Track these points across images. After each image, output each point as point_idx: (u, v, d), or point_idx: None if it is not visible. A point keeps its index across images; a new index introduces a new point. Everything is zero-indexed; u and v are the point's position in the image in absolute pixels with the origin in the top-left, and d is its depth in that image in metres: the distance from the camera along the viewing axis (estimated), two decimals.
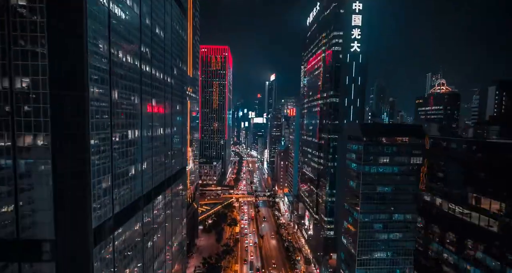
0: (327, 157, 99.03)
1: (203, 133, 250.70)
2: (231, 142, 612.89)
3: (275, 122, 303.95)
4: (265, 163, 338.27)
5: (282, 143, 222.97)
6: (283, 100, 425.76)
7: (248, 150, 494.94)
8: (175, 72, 73.34)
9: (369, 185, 68.22)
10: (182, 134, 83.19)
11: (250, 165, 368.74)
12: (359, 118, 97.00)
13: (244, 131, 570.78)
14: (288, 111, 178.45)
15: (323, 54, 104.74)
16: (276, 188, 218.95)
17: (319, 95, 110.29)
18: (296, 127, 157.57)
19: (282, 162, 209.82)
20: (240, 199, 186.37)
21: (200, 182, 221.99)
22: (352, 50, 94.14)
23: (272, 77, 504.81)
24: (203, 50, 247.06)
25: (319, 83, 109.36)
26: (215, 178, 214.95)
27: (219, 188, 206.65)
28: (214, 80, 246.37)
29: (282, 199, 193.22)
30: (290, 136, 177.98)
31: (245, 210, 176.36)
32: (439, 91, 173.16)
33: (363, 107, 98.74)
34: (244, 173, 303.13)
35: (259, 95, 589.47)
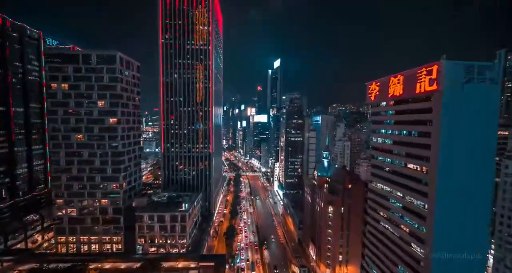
0: None
1: (168, 141, 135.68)
2: (226, 146, 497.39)
3: (294, 121, 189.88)
4: (275, 183, 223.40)
5: (325, 162, 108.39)
6: (284, 97, 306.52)
7: (247, 158, 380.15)
8: None
9: None
10: None
11: (253, 187, 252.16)
12: None
13: (241, 132, 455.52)
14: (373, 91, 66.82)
15: None
16: (315, 257, 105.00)
17: None
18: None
19: (329, 209, 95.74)
20: None
21: (151, 252, 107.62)
22: None
23: (276, 64, 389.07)
24: None
25: None
26: (183, 241, 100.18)
27: (192, 264, 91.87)
28: (188, 43, 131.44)
29: None
30: (375, 152, 60.82)
31: None
32: None
33: None
34: (244, 203, 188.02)
35: (259, 88, 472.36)
